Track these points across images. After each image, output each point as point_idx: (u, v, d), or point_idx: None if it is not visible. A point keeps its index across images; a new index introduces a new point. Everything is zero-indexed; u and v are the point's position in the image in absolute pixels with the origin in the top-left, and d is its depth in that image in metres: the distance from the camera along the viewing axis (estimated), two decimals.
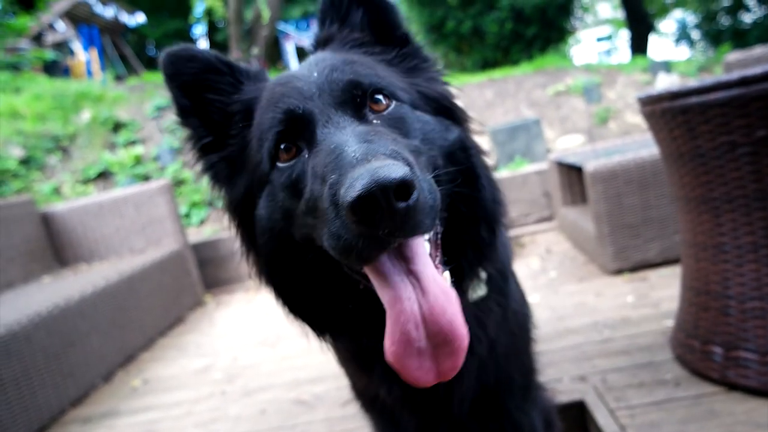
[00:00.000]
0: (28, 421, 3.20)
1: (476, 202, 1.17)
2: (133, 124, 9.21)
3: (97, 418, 3.37)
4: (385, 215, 0.79)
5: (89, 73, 15.30)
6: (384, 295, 0.93)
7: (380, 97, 1.12)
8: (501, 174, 6.13)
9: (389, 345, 0.89)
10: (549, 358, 2.78)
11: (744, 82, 1.90)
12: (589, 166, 3.90)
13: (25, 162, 7.91)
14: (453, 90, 1.34)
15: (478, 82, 10.28)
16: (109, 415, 3.36)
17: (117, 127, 9.13)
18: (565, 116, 8.64)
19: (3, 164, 7.49)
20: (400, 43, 1.32)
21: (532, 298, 3.77)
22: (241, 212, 1.26)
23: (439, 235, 1.09)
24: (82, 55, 15.99)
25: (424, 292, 0.90)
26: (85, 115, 9.24)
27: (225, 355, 3.96)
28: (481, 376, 1.41)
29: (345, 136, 0.96)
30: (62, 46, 16.51)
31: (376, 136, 0.97)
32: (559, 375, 2.60)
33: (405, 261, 0.94)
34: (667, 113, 2.17)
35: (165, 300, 4.97)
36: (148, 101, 9.87)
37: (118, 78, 14.89)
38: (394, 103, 1.12)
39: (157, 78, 12.17)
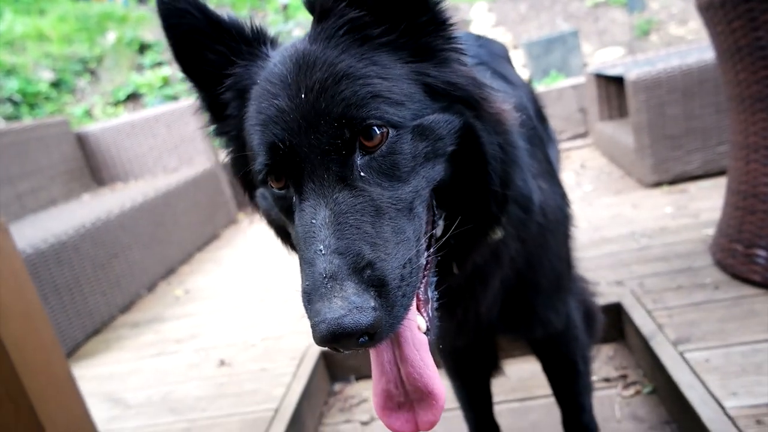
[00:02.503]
0: (83, 325, 3.40)
1: (485, 188, 1.10)
2: (159, 45, 9.09)
3: (145, 323, 3.55)
4: (350, 348, 0.83)
5: None
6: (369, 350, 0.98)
7: (375, 129, 0.96)
8: (535, 89, 5.93)
9: (374, 397, 0.99)
10: (585, 265, 2.78)
11: None
12: (632, 74, 3.73)
13: (56, 85, 7.95)
14: (469, 69, 1.12)
15: None
16: (155, 321, 3.54)
17: (143, 48, 9.03)
18: (604, 29, 8.21)
19: (35, 87, 7.54)
20: (414, 6, 1.07)
21: None
22: (242, 180, 1.22)
23: (432, 249, 1.06)
24: None
25: (403, 357, 0.96)
26: (111, 37, 9.14)
27: (261, 267, 4.08)
28: (504, 286, 1.41)
29: (323, 216, 0.92)
30: None
31: (354, 226, 0.90)
32: (595, 280, 2.61)
33: None
34: (727, 3, 2.03)
35: (200, 217, 5.09)
36: None
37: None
38: (390, 134, 0.97)
39: None
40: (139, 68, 8.67)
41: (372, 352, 0.99)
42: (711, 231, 2.78)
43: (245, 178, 1.20)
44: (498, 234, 1.23)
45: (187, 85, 1.27)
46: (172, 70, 8.52)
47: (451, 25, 1.11)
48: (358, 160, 0.97)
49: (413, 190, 0.99)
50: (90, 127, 5.75)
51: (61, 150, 5.30)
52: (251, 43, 1.16)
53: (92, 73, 8.48)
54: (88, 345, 3.37)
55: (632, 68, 4.10)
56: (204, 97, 1.22)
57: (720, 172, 3.59)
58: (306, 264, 0.91)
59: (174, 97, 7.94)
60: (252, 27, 1.17)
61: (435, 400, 0.95)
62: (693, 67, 3.62)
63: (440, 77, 1.06)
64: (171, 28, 1.15)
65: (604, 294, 2.46)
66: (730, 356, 1.85)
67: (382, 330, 0.84)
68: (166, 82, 8.20)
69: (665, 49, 5.78)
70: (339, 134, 0.95)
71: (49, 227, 3.62)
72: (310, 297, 0.86)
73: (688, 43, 7.10)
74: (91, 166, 5.71)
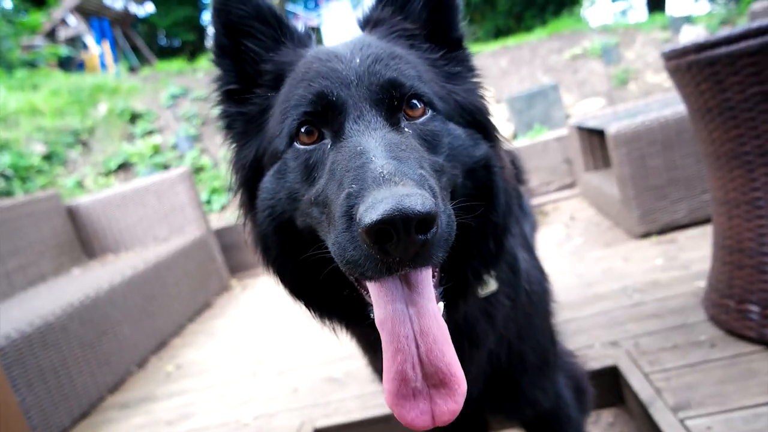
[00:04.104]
0: (69, 408, 3.30)
1: (488, 220, 1.13)
2: (150, 114, 9.26)
3: (135, 403, 3.45)
4: (400, 244, 0.77)
5: (103, 66, 15.40)
6: (381, 325, 0.90)
7: (417, 102, 1.07)
8: (520, 142, 6.04)
9: (386, 383, 0.88)
10: (579, 325, 2.75)
11: None
12: (612, 128, 3.80)
13: (48, 158, 8.03)
14: (489, 105, 1.26)
15: (491, 50, 10.08)
16: (146, 400, 3.44)
17: (134, 118, 9.20)
18: (583, 80, 8.44)
19: (26, 161, 7.61)
20: (451, 45, 1.25)
21: (559, 265, 3.72)
22: (246, 176, 1.21)
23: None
24: (95, 49, 16.07)
25: (423, 331, 0.88)
26: (102, 108, 9.32)
27: (254, 337, 4.01)
28: (491, 361, 1.39)
29: (374, 142, 0.92)
30: (75, 41, 16.59)
31: (406, 152, 0.92)
32: (590, 341, 2.57)
33: (408, 286, 0.91)
34: (693, 66, 2.09)
35: (192, 286, 5.04)
36: (163, 90, 9.90)
37: (132, 69, 14.97)
38: (429, 113, 1.07)
39: (170, 67, 12.21)
40: (130, 138, 8.80)
41: (387, 324, 0.89)
42: (702, 283, 2.76)
43: (248, 171, 1.21)
44: (491, 285, 1.22)
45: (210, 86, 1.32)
46: (163, 138, 8.65)
47: (477, 72, 1.30)
48: (404, 119, 1.05)
49: (443, 167, 1.03)
50: (81, 200, 5.77)
51: (51, 224, 5.29)
52: (296, 41, 1.26)
53: (84, 144, 8.59)
54: (75, 430, 3.26)
55: (612, 121, 4.19)
56: (232, 77, 1.26)
57: (706, 220, 3.61)
58: (351, 174, 0.87)
59: (165, 165, 8.03)
60: (302, 31, 1.28)
61: (457, 385, 0.86)
62: (670, 119, 3.70)
63: (468, 99, 1.19)
64: (224, 10, 1.22)
65: (600, 356, 2.41)
66: (732, 423, 1.80)
67: (438, 232, 0.79)
68: (156, 150, 8.31)
69: (643, 99, 5.94)
70: (390, 91, 1.03)
71: (36, 307, 3.56)
72: (360, 193, 0.81)
73: (664, 90, 7.31)
74: (82, 239, 5.69)
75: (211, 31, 1.27)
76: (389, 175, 0.81)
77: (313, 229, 1.03)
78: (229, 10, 1.21)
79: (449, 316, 1.15)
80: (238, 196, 1.27)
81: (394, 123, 1.02)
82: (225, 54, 1.25)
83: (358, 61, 1.07)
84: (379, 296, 0.91)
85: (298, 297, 1.24)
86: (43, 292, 4.28)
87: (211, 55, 1.28)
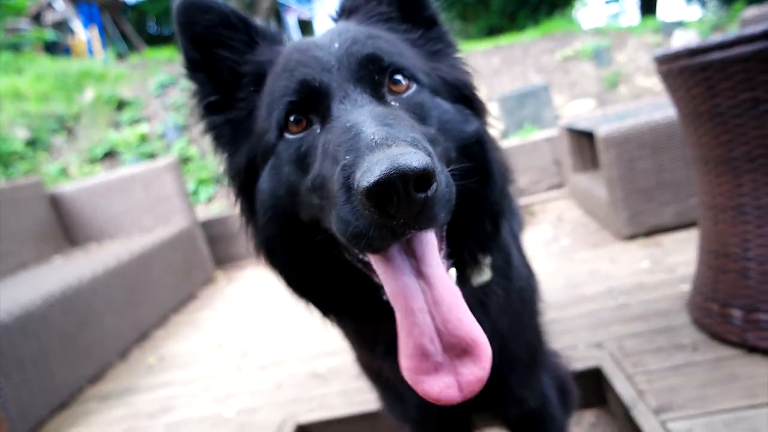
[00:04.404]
0: (48, 399, 3.25)
1: (484, 198, 1.13)
2: (137, 102, 9.14)
3: (115, 395, 3.41)
4: (401, 205, 0.75)
5: (90, 51, 15.17)
6: (394, 301, 0.89)
7: (400, 77, 1.07)
8: (510, 142, 6.04)
9: (404, 361, 0.85)
10: (564, 326, 2.76)
11: None
12: (601, 130, 3.82)
13: (31, 143, 7.90)
14: (474, 80, 1.26)
15: (484, 49, 10.09)
16: (126, 392, 3.40)
17: (121, 105, 9.07)
18: (575, 81, 8.48)
19: (9, 146, 7.48)
20: (427, 24, 1.26)
21: (545, 266, 3.74)
22: (242, 181, 1.19)
23: (445, 228, 1.05)
24: (83, 34, 15.82)
25: (437, 301, 0.86)
26: (89, 95, 9.18)
27: (238, 330, 3.98)
28: None
29: (363, 115, 0.92)
30: (62, 25, 16.32)
31: (396, 120, 0.91)
32: (574, 342, 2.58)
33: (415, 259, 0.91)
34: (685, 71, 2.09)
35: (176, 277, 4.99)
36: (151, 78, 9.77)
37: (120, 56, 14.75)
38: (414, 87, 1.08)
39: (160, 55, 12.06)
40: (117, 125, 8.68)
41: (399, 299, 0.87)
42: (687, 286, 2.79)
43: (243, 175, 1.18)
44: (485, 274, 1.22)
45: (190, 96, 1.30)
46: (150, 127, 8.54)
47: (457, 48, 1.29)
48: (389, 95, 1.05)
49: (436, 138, 1.02)
50: (64, 188, 5.68)
51: (33, 212, 5.20)
52: (269, 40, 1.25)
53: (69, 131, 8.46)
54: (53, 422, 3.21)
55: (602, 123, 4.20)
56: (210, 89, 1.24)
57: (693, 224, 3.64)
58: (344, 147, 0.86)
59: (151, 155, 7.93)
60: (272, 29, 1.28)
61: (481, 350, 0.83)
62: (660, 123, 3.72)
63: (452, 74, 1.19)
64: (188, 24, 1.19)
65: (583, 357, 2.42)
66: (713, 426, 1.81)
67: (438, 190, 0.78)
68: (143, 139, 8.20)
69: (634, 102, 5.97)
70: (370, 68, 1.04)
71: (16, 296, 3.50)
72: (354, 162, 0.80)
73: (655, 94, 7.36)
74: (66, 227, 5.60)
75: (180, 46, 1.23)
76: (381, 140, 0.80)
77: (318, 220, 1.01)
78: (193, 22, 1.19)
79: None
80: (238, 204, 1.25)
81: (379, 98, 1.03)
82: (198, 68, 1.23)
83: (337, 45, 1.07)
84: (387, 273, 0.90)
85: (306, 298, 1.23)
86: (23, 281, 4.21)
87: (184, 71, 1.25)
